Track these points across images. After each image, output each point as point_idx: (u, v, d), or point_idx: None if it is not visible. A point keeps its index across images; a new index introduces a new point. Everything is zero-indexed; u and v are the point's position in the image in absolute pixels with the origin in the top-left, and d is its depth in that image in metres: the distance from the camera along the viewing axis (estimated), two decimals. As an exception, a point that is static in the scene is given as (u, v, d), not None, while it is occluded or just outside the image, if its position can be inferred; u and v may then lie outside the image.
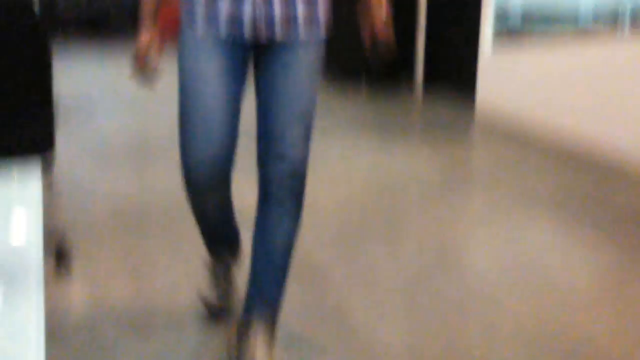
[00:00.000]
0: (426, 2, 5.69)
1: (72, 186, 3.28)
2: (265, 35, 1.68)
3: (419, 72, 5.91)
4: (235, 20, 1.66)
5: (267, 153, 1.75)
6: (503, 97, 4.84)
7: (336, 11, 2.02)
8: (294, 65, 1.73)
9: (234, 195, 1.80)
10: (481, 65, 5.01)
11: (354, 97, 5.62)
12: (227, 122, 1.69)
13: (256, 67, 1.77)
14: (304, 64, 1.75)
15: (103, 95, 5.77)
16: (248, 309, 1.75)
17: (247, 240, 1.83)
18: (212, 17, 1.68)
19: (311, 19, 1.72)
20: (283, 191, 1.75)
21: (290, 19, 1.69)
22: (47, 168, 2.60)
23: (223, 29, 1.68)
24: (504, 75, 4.83)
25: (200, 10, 1.69)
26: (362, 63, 5.77)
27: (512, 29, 5.21)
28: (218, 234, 1.95)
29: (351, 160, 3.96)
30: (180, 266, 2.36)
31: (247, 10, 1.65)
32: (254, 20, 1.66)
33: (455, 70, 5.42)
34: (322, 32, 1.75)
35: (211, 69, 1.70)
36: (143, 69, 1.82)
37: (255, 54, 1.75)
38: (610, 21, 4.28)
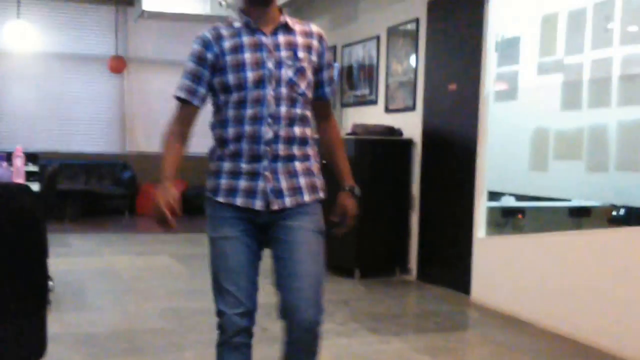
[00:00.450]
0: (419, 190, 5.87)
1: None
2: (276, 203, 2.21)
3: (412, 258, 5.96)
4: (251, 192, 2.20)
5: (286, 313, 2.21)
6: (498, 280, 4.85)
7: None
8: (303, 229, 2.23)
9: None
10: (476, 248, 5.07)
11: (346, 283, 5.60)
12: (249, 278, 2.23)
13: (271, 228, 2.24)
14: (310, 227, 2.25)
15: (96, 277, 5.73)
16: None
17: None
18: (230, 192, 2.23)
19: (312, 185, 2.28)
20: (301, 336, 2.24)
21: (294, 189, 2.23)
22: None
23: (239, 199, 2.21)
24: (498, 257, 4.87)
25: (222, 184, 2.25)
26: (356, 251, 5.84)
27: (505, 210, 5.38)
28: None
29: (343, 347, 3.87)
30: None
31: (260, 185, 2.20)
32: (266, 193, 2.19)
33: (449, 255, 5.48)
34: (320, 193, 2.31)
35: (234, 233, 2.23)
36: (164, 219, 2.18)
37: (269, 219, 2.22)
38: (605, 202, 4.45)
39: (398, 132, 6.03)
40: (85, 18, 10.70)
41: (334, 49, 7.42)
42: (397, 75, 6.29)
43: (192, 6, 8.76)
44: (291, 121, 2.22)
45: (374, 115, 6.59)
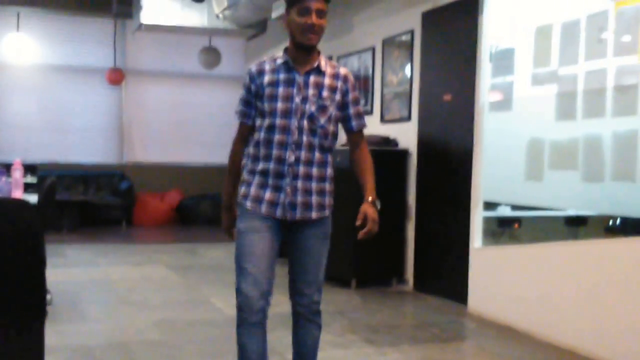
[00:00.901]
0: (415, 200, 5.88)
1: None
2: (289, 215, 2.75)
3: (409, 268, 5.96)
4: (273, 203, 2.74)
5: (295, 297, 2.90)
6: (494, 290, 4.85)
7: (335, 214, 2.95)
8: (310, 240, 2.83)
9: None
10: (472, 258, 5.08)
11: (343, 294, 5.60)
12: (268, 266, 2.75)
13: (286, 234, 2.82)
14: (319, 234, 2.84)
15: (92, 288, 5.74)
16: None
17: None
18: (258, 199, 2.75)
19: (320, 205, 2.81)
20: (307, 315, 2.92)
21: (308, 205, 2.77)
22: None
23: (264, 207, 2.74)
24: (495, 267, 4.88)
25: (252, 193, 2.76)
26: (352, 262, 5.85)
27: (501, 219, 5.39)
28: None
29: (340, 359, 3.88)
30: None
31: (282, 197, 2.73)
32: (284, 205, 2.73)
33: (445, 265, 5.48)
34: (326, 211, 2.85)
35: (258, 234, 2.74)
36: (230, 233, 2.87)
37: (285, 226, 2.78)
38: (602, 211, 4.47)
39: (394, 143, 6.04)
40: (84, 31, 10.74)
41: (329, 59, 7.44)
42: (392, 86, 6.31)
43: (189, 19, 8.79)
44: (311, 148, 2.74)
45: (370, 126, 6.57)
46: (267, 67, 2.75)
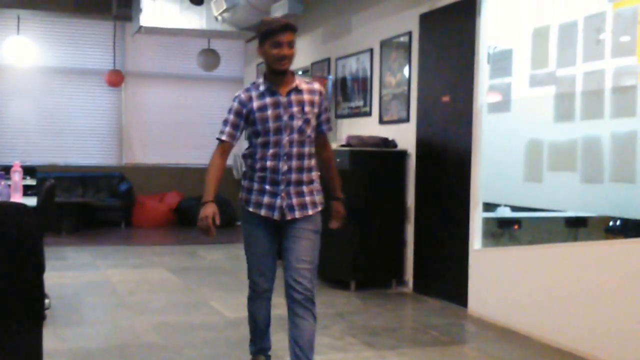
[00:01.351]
0: (414, 202, 5.88)
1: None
2: (288, 215, 3.23)
3: (408, 270, 5.96)
4: (271, 207, 3.24)
5: (289, 285, 3.21)
6: (494, 292, 4.85)
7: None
8: (305, 229, 3.25)
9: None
10: (472, 260, 5.07)
11: (342, 296, 5.60)
12: (270, 258, 3.35)
13: (283, 231, 3.28)
14: (310, 228, 3.26)
15: (91, 291, 5.73)
16: None
17: None
18: (258, 203, 3.26)
19: (313, 202, 3.29)
20: (302, 302, 3.20)
21: (302, 205, 3.25)
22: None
23: (264, 210, 3.25)
24: (494, 269, 4.87)
25: (252, 198, 3.28)
26: (351, 263, 5.85)
27: (501, 220, 5.39)
28: (261, 327, 3.48)
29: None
30: None
31: (278, 201, 3.23)
32: (281, 207, 3.22)
33: (445, 267, 5.48)
34: (319, 207, 3.31)
35: (260, 232, 3.31)
36: (207, 230, 3.10)
37: (282, 224, 3.26)
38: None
39: (392, 144, 6.04)
40: (84, 33, 10.75)
41: (328, 61, 7.45)
42: (390, 87, 6.31)
43: (188, 21, 8.79)
44: (300, 157, 3.23)
45: (368, 127, 6.61)
46: (254, 93, 3.24)
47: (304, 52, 8.13)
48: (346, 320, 4.82)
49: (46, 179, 5.25)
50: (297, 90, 3.23)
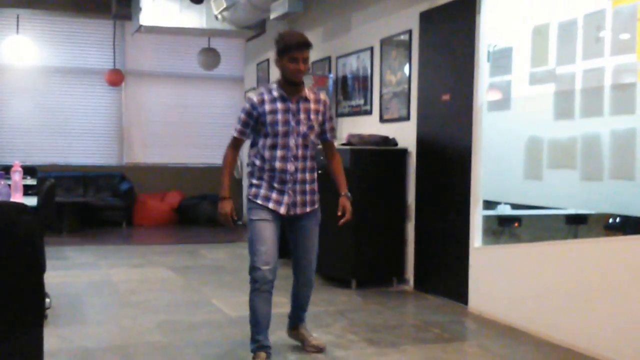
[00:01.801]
0: (415, 200, 5.89)
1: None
2: (292, 211, 3.66)
3: (409, 268, 5.97)
4: (278, 202, 3.63)
5: (296, 271, 3.85)
6: (495, 289, 4.86)
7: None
8: (307, 227, 3.75)
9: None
10: (472, 258, 5.09)
11: (343, 294, 5.62)
12: (275, 248, 3.62)
13: (289, 226, 3.75)
14: (311, 222, 3.77)
15: (93, 290, 5.75)
16: (297, 320, 4.00)
17: None
18: (267, 198, 3.63)
19: (313, 201, 3.75)
20: (305, 282, 3.85)
21: (305, 203, 3.70)
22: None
23: (271, 204, 3.62)
24: (495, 266, 4.89)
25: (261, 193, 3.64)
26: (352, 262, 5.87)
27: (501, 218, 5.39)
28: (263, 323, 3.65)
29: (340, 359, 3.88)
30: None
31: (285, 198, 3.64)
32: (288, 204, 3.63)
33: (446, 264, 5.49)
34: (316, 205, 3.78)
35: (267, 224, 3.60)
36: (227, 221, 3.65)
37: (287, 219, 3.70)
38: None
39: (393, 142, 6.05)
40: (83, 32, 10.77)
41: (328, 59, 7.46)
42: (391, 86, 6.32)
43: (188, 20, 8.81)
44: (305, 159, 3.66)
45: (369, 125, 6.62)
46: (266, 97, 3.61)
47: (304, 50, 8.14)
48: (347, 318, 4.83)
49: (46, 179, 5.26)
50: (306, 100, 3.65)
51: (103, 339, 4.28)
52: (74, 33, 10.73)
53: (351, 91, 7.03)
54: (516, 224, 5.48)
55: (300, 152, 3.62)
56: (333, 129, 3.87)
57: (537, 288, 4.46)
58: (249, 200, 3.67)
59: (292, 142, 3.60)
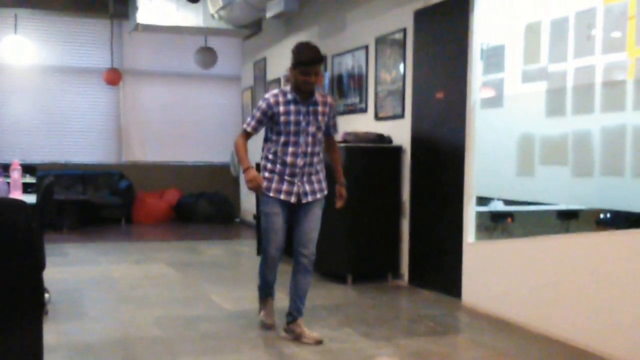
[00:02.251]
0: (409, 196, 5.96)
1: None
2: (302, 199, 4.13)
3: (404, 263, 6.04)
4: (289, 193, 4.11)
5: (298, 250, 4.18)
6: (487, 284, 4.94)
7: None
8: (312, 211, 4.17)
9: None
10: (466, 253, 5.16)
11: (339, 289, 5.69)
12: (285, 233, 4.16)
13: (297, 211, 4.17)
14: (318, 207, 4.21)
15: (93, 286, 5.82)
16: (295, 313, 4.20)
17: None
18: (278, 190, 4.11)
19: (321, 189, 4.23)
20: (307, 265, 4.18)
21: (313, 191, 4.17)
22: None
23: (282, 195, 4.10)
24: (488, 261, 4.96)
25: (273, 186, 4.11)
26: (348, 257, 5.94)
27: (494, 214, 5.46)
28: (270, 284, 4.35)
29: (336, 352, 3.94)
30: None
31: (295, 188, 4.11)
32: (298, 193, 4.11)
33: (440, 259, 5.56)
34: (325, 192, 4.24)
35: (278, 216, 4.12)
36: (259, 187, 4.06)
37: (297, 206, 4.15)
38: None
39: (388, 140, 6.12)
40: (81, 32, 10.81)
41: (324, 58, 7.50)
42: (385, 84, 6.39)
43: (185, 19, 8.85)
44: (312, 154, 4.13)
45: (364, 123, 6.68)
46: (281, 99, 4.07)
47: (301, 49, 8.19)
48: (343, 312, 4.91)
49: (45, 177, 5.31)
50: (315, 103, 4.11)
51: (103, 333, 4.34)
52: (72, 32, 10.77)
53: (346, 89, 7.10)
54: (509, 220, 5.55)
55: (309, 149, 4.10)
56: (335, 126, 4.32)
57: (529, 282, 4.54)
58: (262, 192, 4.12)
59: (302, 140, 4.07)
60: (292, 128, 4.05)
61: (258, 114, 4.09)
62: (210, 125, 11.45)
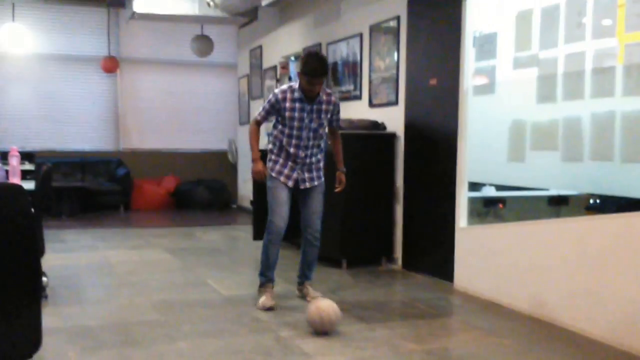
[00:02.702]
0: (403, 182, 6.04)
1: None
2: (302, 185, 4.60)
3: (398, 248, 6.12)
4: (289, 177, 4.57)
5: (305, 228, 4.68)
6: (479, 267, 5.02)
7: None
8: (313, 195, 4.65)
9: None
10: (458, 237, 5.25)
11: (334, 273, 5.77)
12: (288, 208, 4.57)
13: (299, 196, 4.66)
14: (318, 191, 4.67)
15: (91, 272, 5.90)
16: (303, 278, 4.85)
17: None
18: (280, 172, 4.57)
19: (319, 176, 4.70)
20: (312, 240, 4.70)
21: (312, 178, 4.64)
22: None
23: (283, 178, 4.56)
24: (479, 246, 5.04)
25: (277, 169, 4.57)
26: (343, 242, 6.03)
27: (486, 199, 5.53)
28: (271, 265, 4.63)
29: (330, 335, 4.02)
30: None
31: (294, 174, 4.58)
32: (296, 179, 4.58)
33: (432, 244, 5.65)
34: (322, 179, 4.71)
35: (281, 191, 4.55)
36: (262, 178, 4.60)
37: (299, 191, 4.63)
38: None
39: (382, 126, 6.18)
40: (78, 20, 10.83)
41: (319, 46, 7.56)
42: (380, 71, 6.44)
43: (181, 7, 8.88)
44: (313, 147, 4.59)
45: (358, 110, 6.74)
46: (289, 96, 4.47)
47: (296, 37, 8.24)
48: (338, 296, 4.98)
49: (44, 164, 5.37)
50: (319, 102, 4.52)
51: (102, 317, 4.40)
52: (69, 21, 10.79)
53: (341, 77, 7.15)
54: (500, 205, 5.63)
55: (310, 143, 4.55)
56: (339, 119, 4.74)
57: (520, 265, 4.62)
58: (267, 173, 4.59)
59: (304, 134, 4.51)
60: (296, 124, 4.47)
61: (267, 107, 4.55)
62: (207, 113, 11.49)
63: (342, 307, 4.65)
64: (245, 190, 10.47)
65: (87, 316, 4.42)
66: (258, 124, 4.63)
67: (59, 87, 10.83)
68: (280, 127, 4.55)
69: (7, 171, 5.18)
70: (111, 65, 10.65)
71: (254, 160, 4.59)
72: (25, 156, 8.90)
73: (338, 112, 4.67)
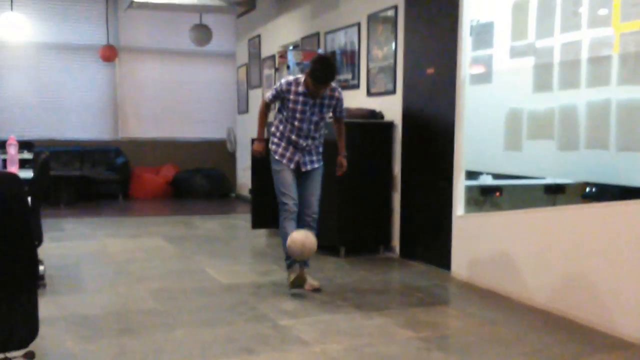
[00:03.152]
0: (401, 171, 6.06)
1: None
2: (302, 168, 4.84)
3: (395, 236, 6.15)
4: (290, 160, 4.81)
5: (303, 209, 4.81)
6: (476, 256, 5.05)
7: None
8: (313, 177, 4.87)
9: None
10: (455, 226, 5.27)
11: (332, 261, 5.80)
12: (295, 187, 4.80)
13: (300, 178, 4.85)
14: (318, 173, 4.89)
15: (90, 260, 5.92)
16: (302, 264, 4.77)
17: None
18: (283, 155, 4.82)
19: (319, 159, 4.94)
20: (310, 221, 4.82)
21: (312, 161, 4.88)
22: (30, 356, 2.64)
23: (285, 160, 4.81)
24: (476, 234, 5.07)
25: (279, 151, 4.82)
26: (341, 230, 6.06)
27: (483, 188, 5.55)
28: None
29: (328, 323, 4.05)
30: None
31: (296, 157, 4.82)
32: (297, 162, 4.82)
33: (430, 232, 5.67)
34: (321, 162, 4.93)
35: (287, 173, 4.80)
36: (261, 155, 4.95)
37: (299, 173, 4.85)
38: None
39: (380, 115, 6.19)
40: (77, 9, 10.82)
41: (317, 35, 7.56)
42: (377, 61, 6.44)
43: (179, -5, 8.87)
44: (314, 137, 4.81)
45: (356, 99, 6.75)
46: (293, 89, 4.69)
47: (294, 27, 8.23)
48: (336, 284, 5.02)
49: (42, 153, 5.38)
50: (323, 97, 4.72)
51: (100, 306, 4.42)
52: (68, 9, 10.77)
53: (339, 66, 7.15)
54: (497, 194, 5.65)
55: (311, 133, 4.77)
56: (343, 110, 4.92)
57: (516, 254, 4.65)
58: (271, 156, 4.85)
59: (305, 126, 4.73)
60: (298, 115, 4.69)
61: (275, 93, 4.78)
62: (205, 102, 11.49)
63: (339, 295, 4.70)
64: (244, 179, 10.50)
65: (85, 305, 4.44)
66: (267, 105, 4.90)
67: (57, 76, 10.82)
68: (284, 113, 4.76)
69: (4, 160, 5.18)
70: (110, 54, 10.64)
71: (255, 140, 4.98)
72: (24, 145, 8.91)
73: (342, 105, 4.86)
